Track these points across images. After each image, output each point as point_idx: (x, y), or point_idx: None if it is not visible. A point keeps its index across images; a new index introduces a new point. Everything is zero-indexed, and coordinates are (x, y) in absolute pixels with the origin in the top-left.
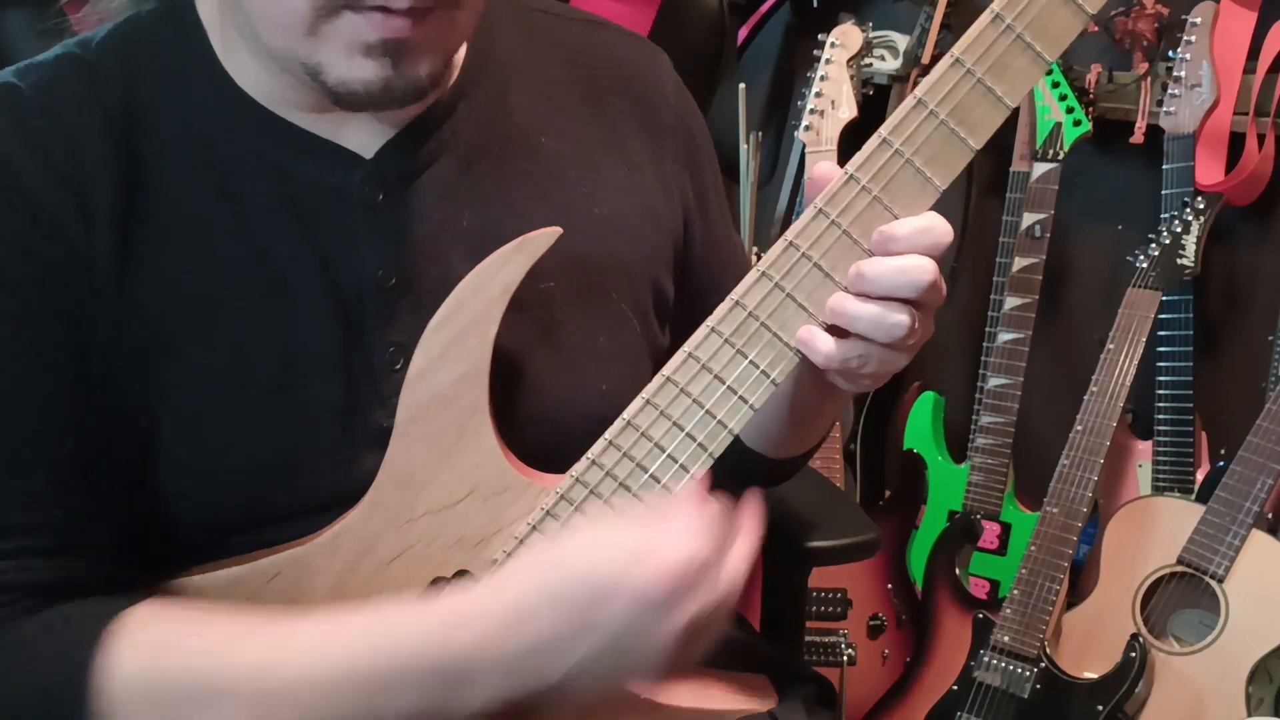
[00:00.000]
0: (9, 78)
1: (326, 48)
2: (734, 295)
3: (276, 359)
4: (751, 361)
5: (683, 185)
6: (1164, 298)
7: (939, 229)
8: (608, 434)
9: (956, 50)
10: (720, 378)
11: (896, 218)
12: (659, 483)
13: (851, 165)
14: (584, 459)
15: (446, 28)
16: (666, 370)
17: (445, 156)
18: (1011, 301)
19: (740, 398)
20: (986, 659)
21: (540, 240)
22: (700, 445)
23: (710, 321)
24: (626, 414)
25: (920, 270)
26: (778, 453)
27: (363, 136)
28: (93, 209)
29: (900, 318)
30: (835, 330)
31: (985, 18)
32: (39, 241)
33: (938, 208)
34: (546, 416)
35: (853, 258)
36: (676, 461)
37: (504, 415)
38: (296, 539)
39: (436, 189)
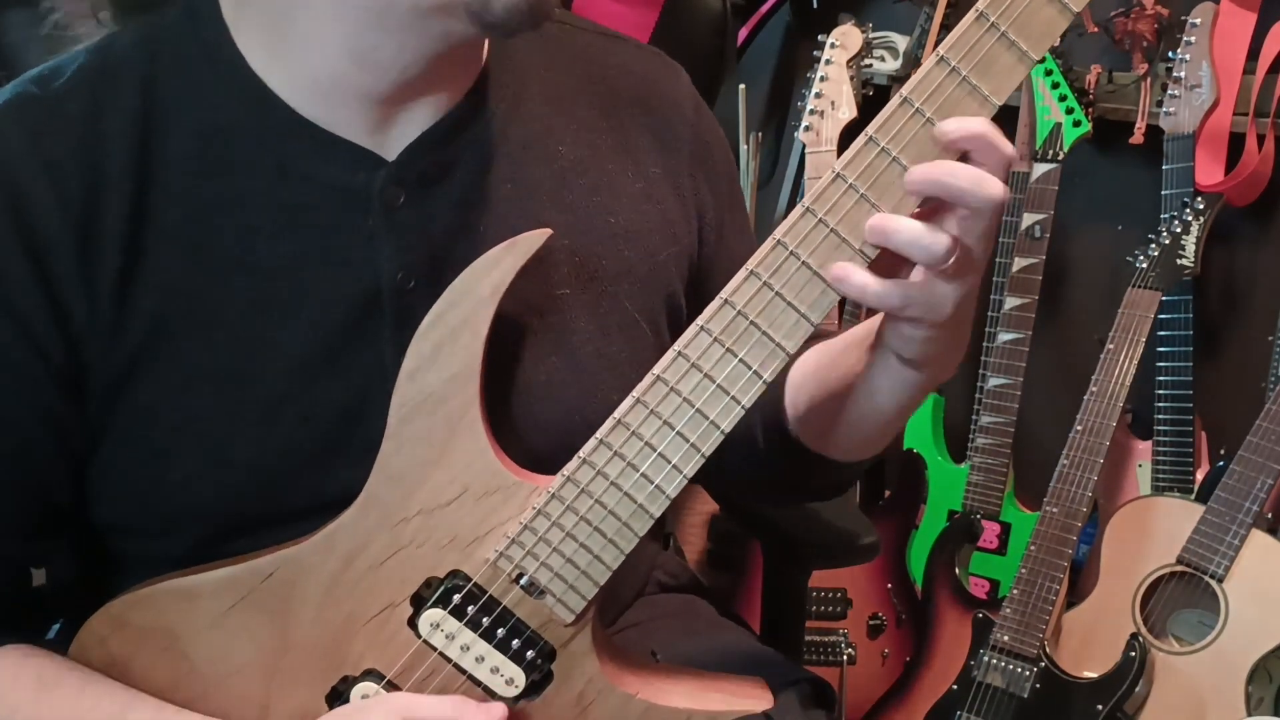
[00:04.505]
0: (29, 87)
1: None
2: (723, 294)
3: (285, 360)
4: (742, 360)
5: (699, 199)
6: (1164, 298)
7: (1008, 147)
8: (599, 432)
9: (942, 49)
10: (710, 376)
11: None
12: (651, 482)
13: (839, 164)
14: (576, 457)
15: None
16: (657, 369)
17: (464, 161)
18: (1011, 301)
19: (732, 397)
20: (986, 658)
21: (530, 241)
22: (692, 445)
23: (700, 320)
24: (618, 412)
25: (996, 185)
26: (849, 455)
27: (386, 140)
28: (99, 232)
29: (941, 236)
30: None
31: (970, 16)
32: (23, 267)
33: None
34: (557, 422)
35: (841, 256)
36: (669, 461)
37: (514, 420)
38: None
39: (456, 193)
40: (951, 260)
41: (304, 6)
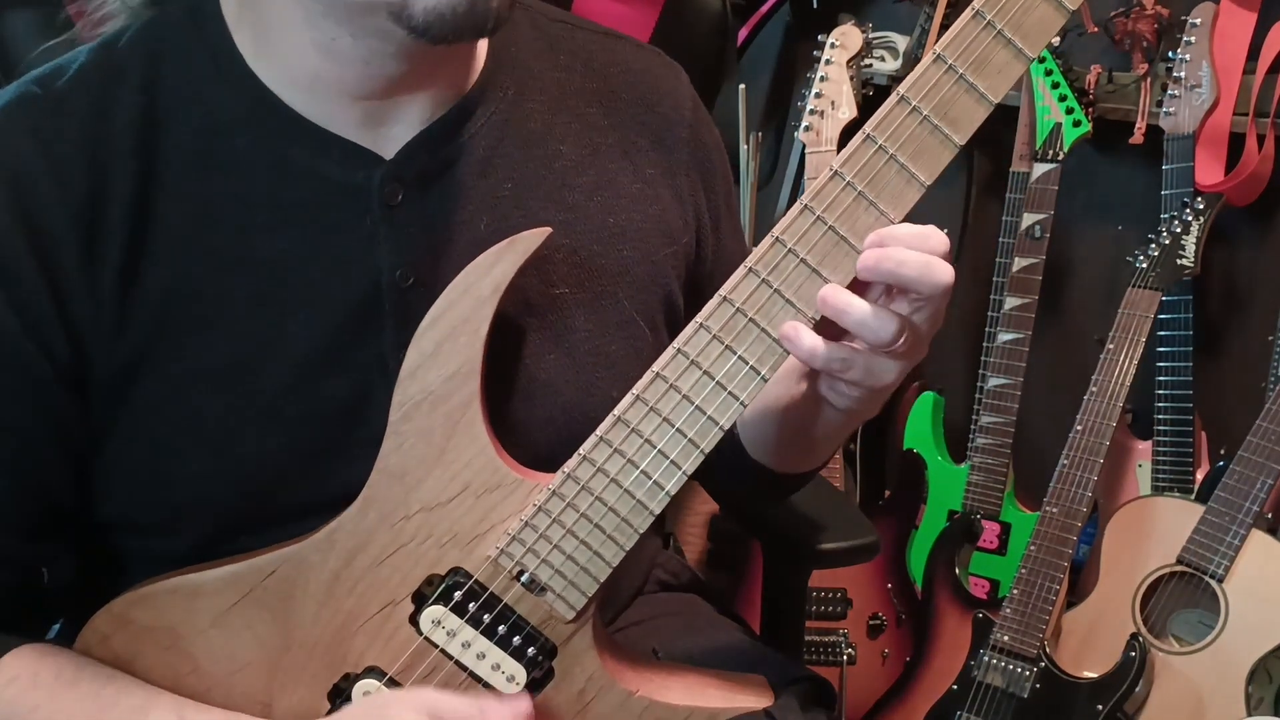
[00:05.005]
0: (31, 87)
1: None
2: (722, 291)
3: (286, 358)
4: (740, 357)
5: (696, 199)
6: (1164, 298)
7: (936, 237)
8: (599, 430)
9: (938, 47)
10: (709, 373)
11: (882, 213)
12: (651, 479)
13: (837, 162)
14: (577, 454)
15: None
16: (656, 366)
17: (464, 159)
18: (1011, 301)
19: (730, 394)
20: (986, 658)
21: (530, 240)
22: (691, 441)
23: (699, 318)
24: (618, 410)
25: (944, 271)
26: (782, 467)
27: (384, 138)
28: (103, 230)
29: (890, 322)
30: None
31: (966, 15)
32: (28, 266)
33: (939, 207)
34: (556, 421)
35: (839, 253)
36: (668, 458)
37: (514, 418)
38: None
39: (455, 191)
40: (900, 341)
41: (274, 2)
